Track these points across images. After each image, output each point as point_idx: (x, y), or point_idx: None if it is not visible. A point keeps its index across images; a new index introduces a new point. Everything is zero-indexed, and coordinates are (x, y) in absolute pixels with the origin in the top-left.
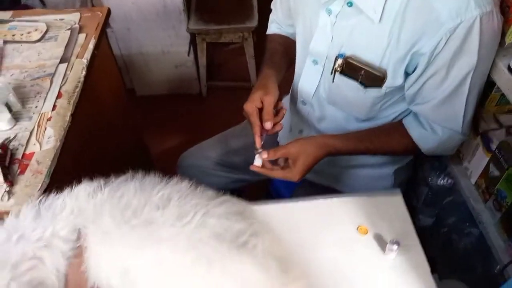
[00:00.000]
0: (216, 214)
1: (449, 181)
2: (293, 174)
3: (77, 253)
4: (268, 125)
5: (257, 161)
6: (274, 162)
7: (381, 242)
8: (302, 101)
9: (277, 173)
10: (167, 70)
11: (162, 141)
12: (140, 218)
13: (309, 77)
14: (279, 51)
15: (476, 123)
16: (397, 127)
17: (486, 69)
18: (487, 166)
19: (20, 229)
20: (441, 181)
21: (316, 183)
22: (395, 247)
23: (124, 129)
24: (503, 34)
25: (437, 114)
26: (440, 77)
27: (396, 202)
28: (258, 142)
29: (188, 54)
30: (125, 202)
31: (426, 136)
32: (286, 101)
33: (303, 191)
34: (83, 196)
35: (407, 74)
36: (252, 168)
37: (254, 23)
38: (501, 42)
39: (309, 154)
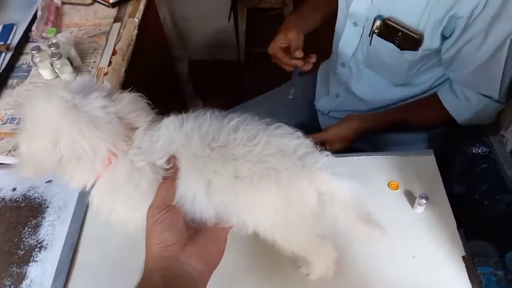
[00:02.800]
0: (277, 134)
1: (484, 149)
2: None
3: (170, 175)
4: (298, 53)
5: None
6: None
7: (411, 198)
8: (341, 63)
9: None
10: (207, 35)
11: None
12: (218, 142)
13: (349, 39)
14: (309, 4)
15: None
16: (432, 100)
17: None
18: None
19: None
20: (477, 149)
21: (352, 148)
22: (423, 201)
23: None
24: None
25: (473, 80)
26: (477, 41)
27: (428, 162)
28: (295, 62)
29: (229, 20)
30: (205, 130)
31: (460, 106)
32: (325, 65)
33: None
34: (172, 128)
35: (444, 38)
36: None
37: None
38: None
39: (345, 139)
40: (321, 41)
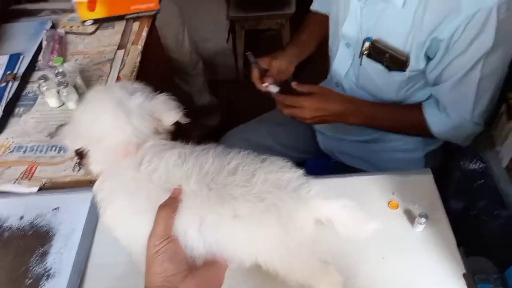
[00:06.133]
0: (271, 170)
1: (481, 165)
2: (305, 107)
3: (168, 204)
4: (268, 80)
5: (273, 89)
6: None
7: (411, 217)
8: (336, 83)
9: (291, 99)
10: (205, 57)
11: (200, 124)
12: (217, 183)
13: (342, 59)
14: (308, 30)
15: (510, 107)
16: (415, 105)
17: (504, 59)
18: None
19: None
20: (473, 165)
21: (350, 166)
22: (423, 220)
23: None
24: None
25: (449, 97)
26: (456, 63)
27: (426, 180)
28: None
29: (227, 41)
30: (206, 170)
31: (438, 118)
32: (324, 85)
33: (337, 173)
34: (172, 164)
35: (428, 59)
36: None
37: (291, 9)
38: None
39: (330, 98)
40: (319, 62)
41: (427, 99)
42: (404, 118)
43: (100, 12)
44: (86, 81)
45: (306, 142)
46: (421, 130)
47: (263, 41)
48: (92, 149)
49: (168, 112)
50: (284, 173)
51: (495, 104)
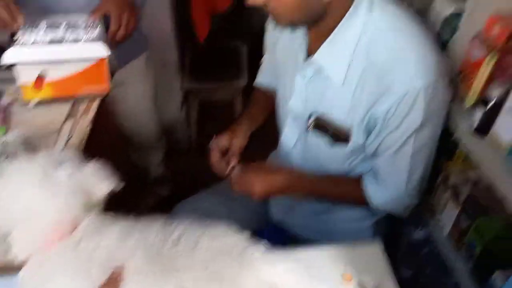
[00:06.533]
0: (215, 236)
1: (425, 232)
2: (252, 183)
3: (110, 284)
4: (234, 160)
5: (239, 169)
6: None
7: None
8: (285, 154)
9: (239, 176)
10: (158, 125)
11: (151, 194)
12: (161, 255)
13: (290, 131)
14: (257, 104)
15: (446, 178)
16: (357, 178)
17: (432, 135)
18: (458, 217)
19: None
20: (418, 233)
21: (304, 238)
22: None
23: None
24: (463, 98)
25: (385, 170)
26: (391, 138)
27: (376, 251)
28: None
29: (181, 110)
30: (150, 243)
31: (376, 190)
32: (273, 156)
33: (292, 245)
34: (115, 240)
35: (369, 133)
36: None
37: (243, 82)
38: (462, 106)
39: (274, 172)
40: (268, 133)
41: (369, 171)
42: (346, 189)
43: (47, 92)
44: (30, 152)
45: (260, 214)
46: (362, 201)
47: (216, 110)
48: (15, 231)
49: (100, 184)
50: (228, 238)
51: (432, 175)
